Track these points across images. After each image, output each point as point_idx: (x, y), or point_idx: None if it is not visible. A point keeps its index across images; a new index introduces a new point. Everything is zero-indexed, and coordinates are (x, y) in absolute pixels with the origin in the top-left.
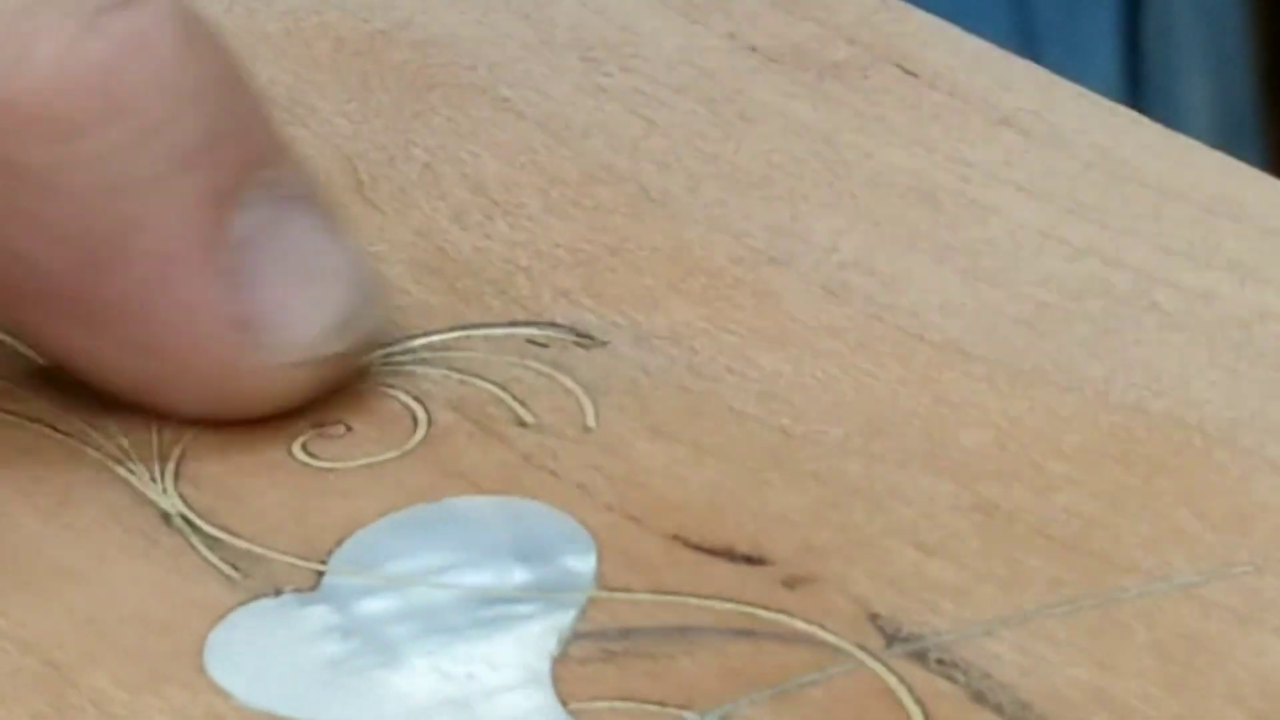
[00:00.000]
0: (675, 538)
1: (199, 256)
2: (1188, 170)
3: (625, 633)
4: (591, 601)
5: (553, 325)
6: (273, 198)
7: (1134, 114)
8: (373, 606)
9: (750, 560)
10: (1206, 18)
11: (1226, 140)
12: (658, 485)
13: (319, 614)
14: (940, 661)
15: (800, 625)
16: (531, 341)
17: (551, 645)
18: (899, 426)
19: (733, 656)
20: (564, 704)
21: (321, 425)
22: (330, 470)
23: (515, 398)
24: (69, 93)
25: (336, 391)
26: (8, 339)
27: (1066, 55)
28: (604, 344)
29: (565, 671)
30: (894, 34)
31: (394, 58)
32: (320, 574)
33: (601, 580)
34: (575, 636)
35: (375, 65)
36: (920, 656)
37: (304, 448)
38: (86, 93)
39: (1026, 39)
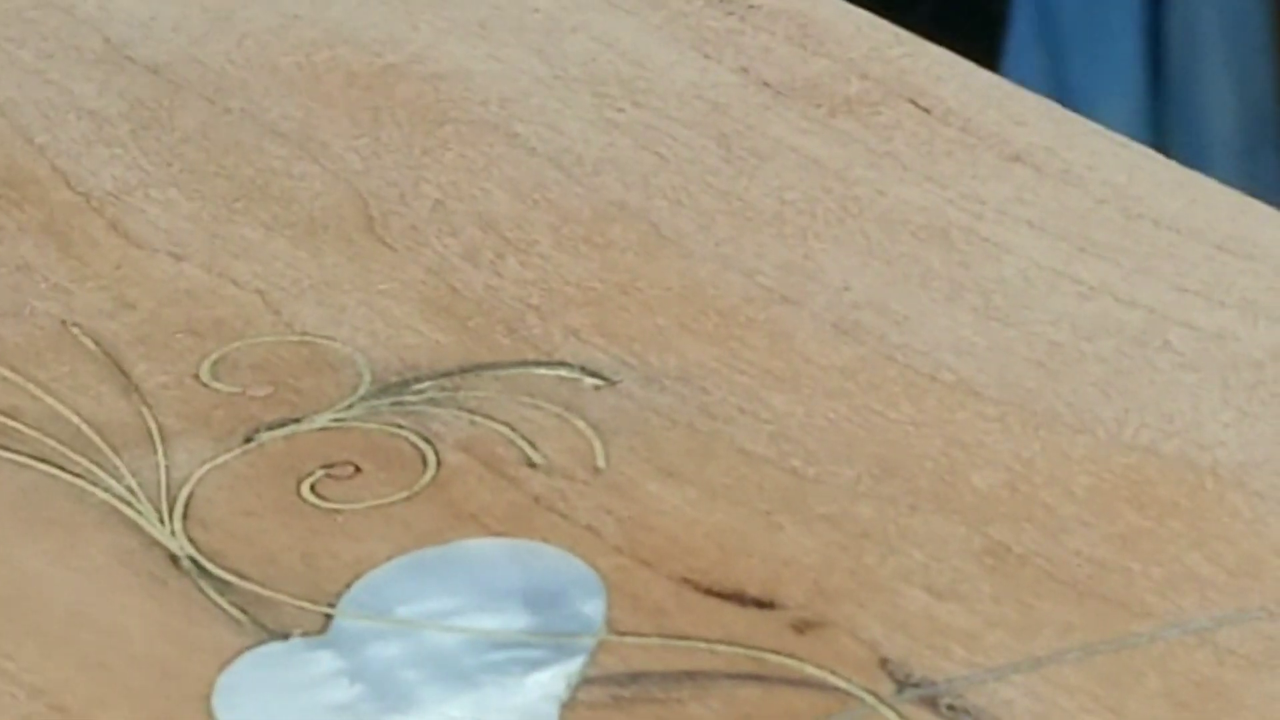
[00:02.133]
0: (685, 581)
1: None
2: (1201, 208)
3: (634, 677)
4: (601, 645)
5: (563, 365)
6: None
7: (1148, 151)
8: (382, 651)
9: (760, 604)
10: (1228, 18)
11: (1250, 144)
12: (668, 527)
13: (327, 658)
14: (951, 707)
15: (810, 670)
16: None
17: (560, 690)
18: (910, 468)
19: (742, 702)
20: None
21: (331, 466)
22: (339, 512)
23: (525, 438)
24: None
25: (346, 432)
26: (15, 379)
27: (1089, 58)
28: (615, 384)
29: (574, 716)
30: (907, 69)
31: (406, 92)
32: (329, 617)
33: (611, 624)
34: (584, 681)
35: (387, 100)
36: (931, 702)
37: (313, 489)
38: None
39: (1050, 44)
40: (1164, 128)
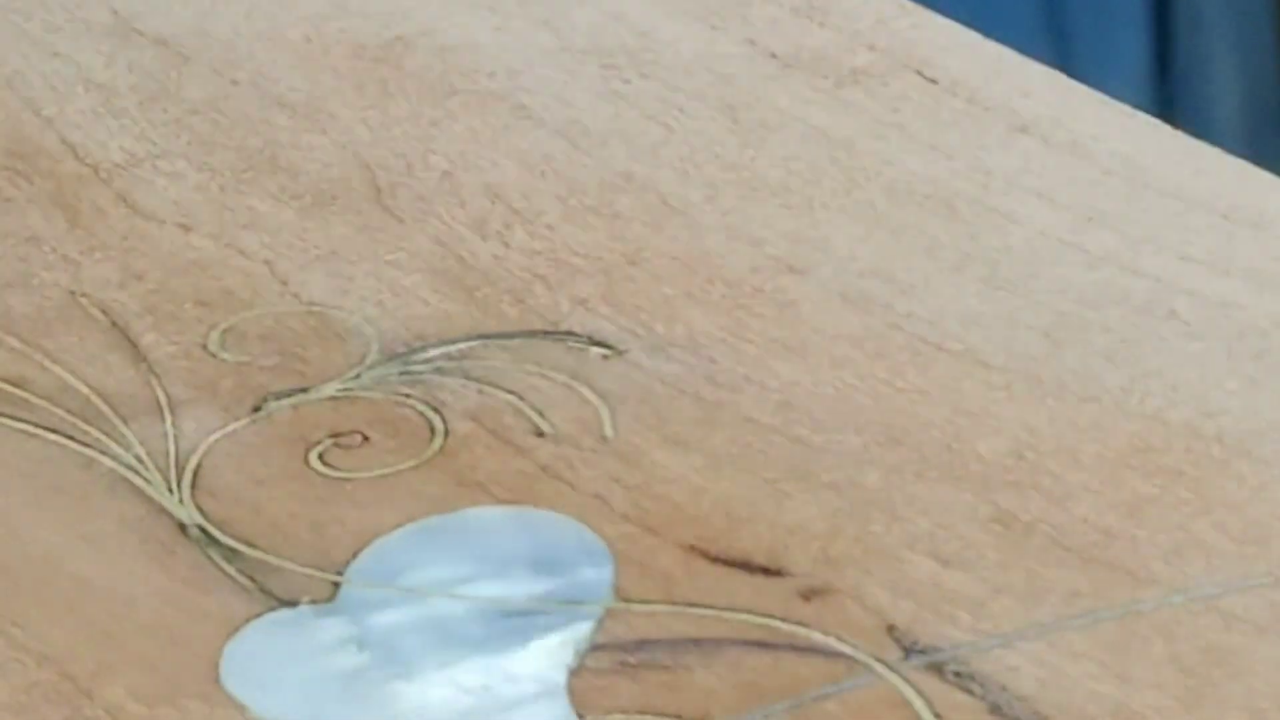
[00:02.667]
0: (692, 549)
1: None
2: (1207, 178)
3: (642, 644)
4: (608, 613)
5: (571, 334)
6: None
7: (1154, 121)
8: (389, 618)
9: (767, 571)
10: (1235, 6)
11: (1255, 127)
12: (675, 496)
13: (335, 626)
14: (958, 674)
15: (817, 637)
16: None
17: (568, 657)
18: (917, 436)
19: (750, 668)
20: (580, 716)
21: (338, 435)
22: (347, 480)
23: (533, 407)
24: None
25: (354, 402)
26: (22, 349)
27: (1096, 45)
28: (622, 353)
29: (581, 683)
30: (913, 40)
31: (413, 64)
32: (337, 585)
33: (618, 592)
34: (592, 648)
35: (395, 72)
36: (937, 668)
37: (321, 458)
38: None
39: (1056, 30)
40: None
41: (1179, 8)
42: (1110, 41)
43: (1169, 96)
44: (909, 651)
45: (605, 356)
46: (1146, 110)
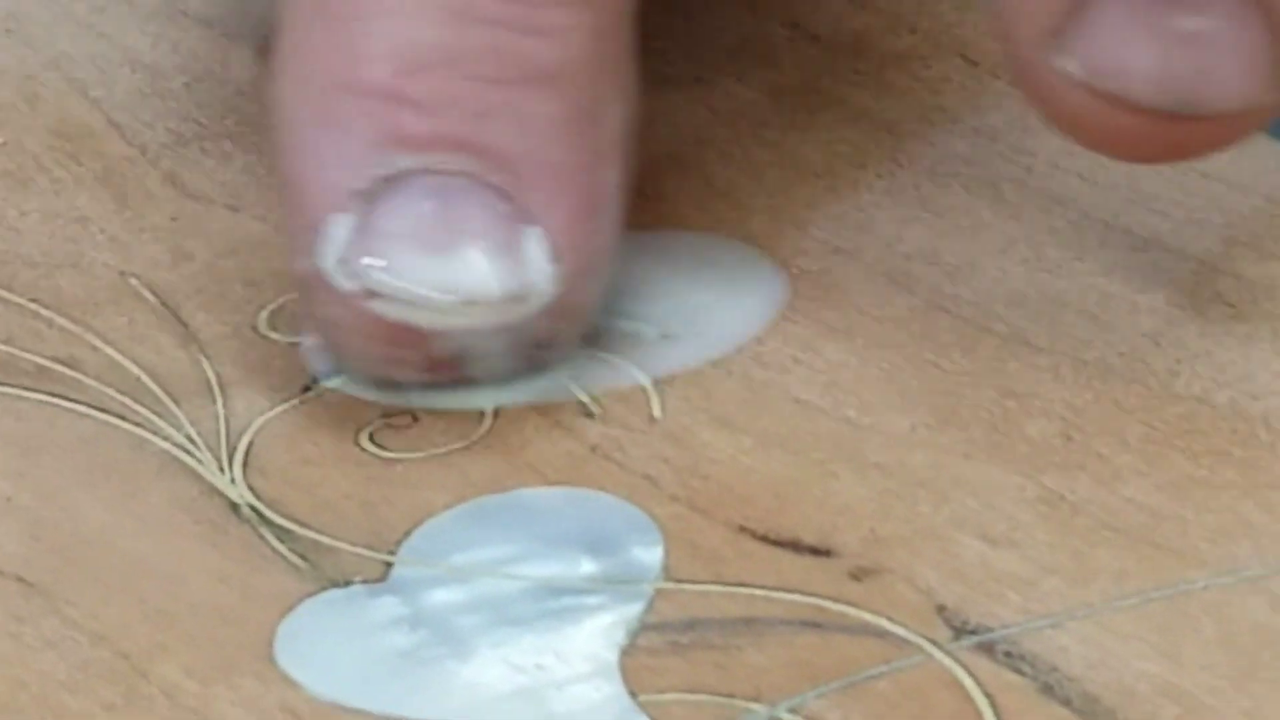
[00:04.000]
0: (741, 529)
1: None
2: (1251, 160)
3: (692, 624)
4: (659, 593)
5: (619, 314)
6: None
7: None
8: (441, 597)
9: (816, 552)
10: None
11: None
12: (723, 476)
13: (388, 605)
14: (1008, 654)
15: (867, 617)
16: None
17: (620, 637)
18: (964, 417)
19: (800, 648)
20: (633, 695)
21: (389, 415)
22: (398, 461)
23: (582, 387)
24: None
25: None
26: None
27: None
28: (670, 334)
29: (633, 663)
30: (955, 23)
31: None
32: (389, 565)
33: (668, 572)
34: (643, 628)
35: None
36: (988, 649)
37: (371, 438)
38: None
39: None
40: None
41: None
42: None
43: None
44: (959, 632)
45: (655, 336)
46: None
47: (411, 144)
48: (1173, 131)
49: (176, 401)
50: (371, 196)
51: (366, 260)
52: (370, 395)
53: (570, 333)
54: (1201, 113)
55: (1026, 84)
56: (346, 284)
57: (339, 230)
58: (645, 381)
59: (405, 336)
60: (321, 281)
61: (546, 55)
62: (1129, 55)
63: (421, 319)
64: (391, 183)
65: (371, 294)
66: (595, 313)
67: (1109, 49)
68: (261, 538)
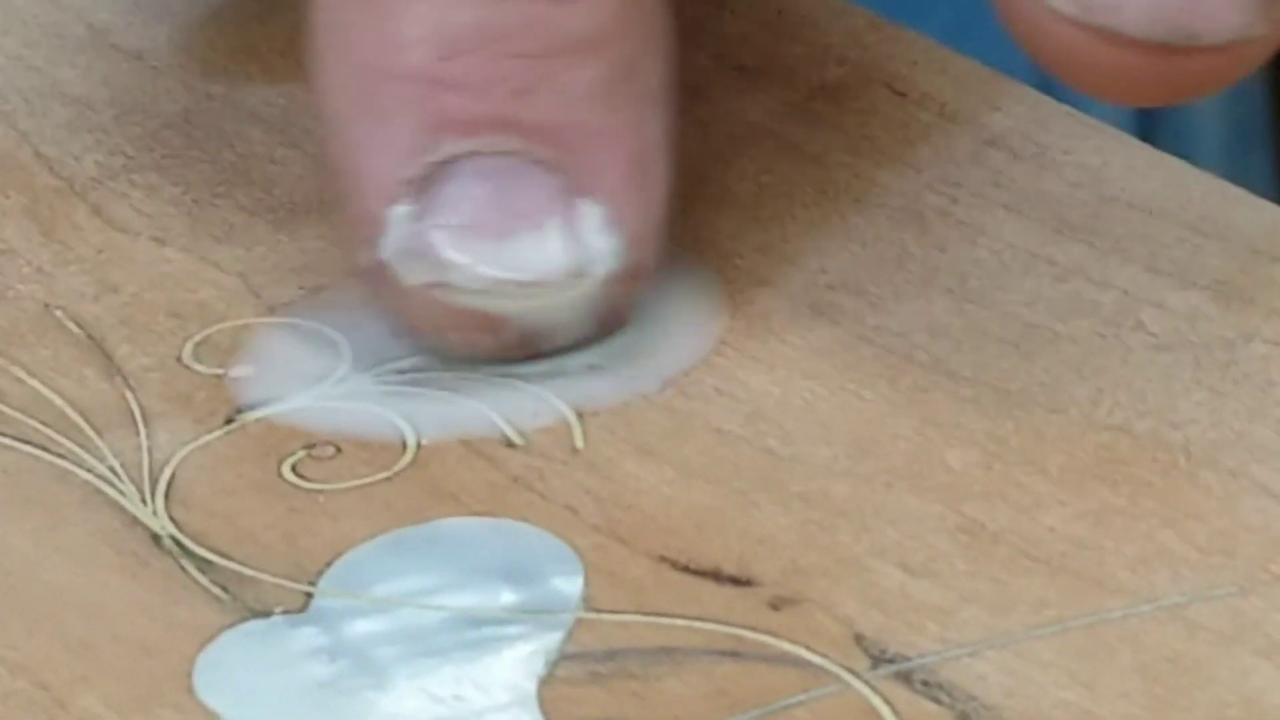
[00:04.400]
0: (662, 559)
1: None
2: (1174, 190)
3: (612, 654)
4: (579, 623)
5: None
6: None
7: (1122, 134)
8: (361, 628)
9: (737, 581)
10: None
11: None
12: (645, 506)
13: (308, 635)
14: (925, 683)
15: (786, 646)
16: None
17: (539, 667)
18: (886, 447)
19: (719, 678)
20: None
21: (311, 446)
22: (320, 491)
23: (504, 418)
24: None
25: (327, 413)
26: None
27: None
28: (594, 364)
29: (552, 693)
30: (883, 54)
31: None
32: (309, 595)
33: (589, 601)
34: (562, 658)
35: None
36: (906, 678)
37: (294, 469)
38: None
39: None
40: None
41: None
42: None
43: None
44: (877, 661)
45: (578, 367)
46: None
47: (458, 128)
48: (1166, 66)
49: (99, 433)
50: (424, 184)
51: (427, 250)
52: (294, 423)
53: (638, 293)
54: (1194, 43)
55: (1017, 25)
56: (410, 275)
57: (397, 221)
58: (568, 412)
59: (475, 321)
60: (385, 273)
61: (580, 22)
62: None
63: (488, 304)
64: (443, 169)
65: (436, 283)
66: (658, 268)
67: None
68: (183, 569)
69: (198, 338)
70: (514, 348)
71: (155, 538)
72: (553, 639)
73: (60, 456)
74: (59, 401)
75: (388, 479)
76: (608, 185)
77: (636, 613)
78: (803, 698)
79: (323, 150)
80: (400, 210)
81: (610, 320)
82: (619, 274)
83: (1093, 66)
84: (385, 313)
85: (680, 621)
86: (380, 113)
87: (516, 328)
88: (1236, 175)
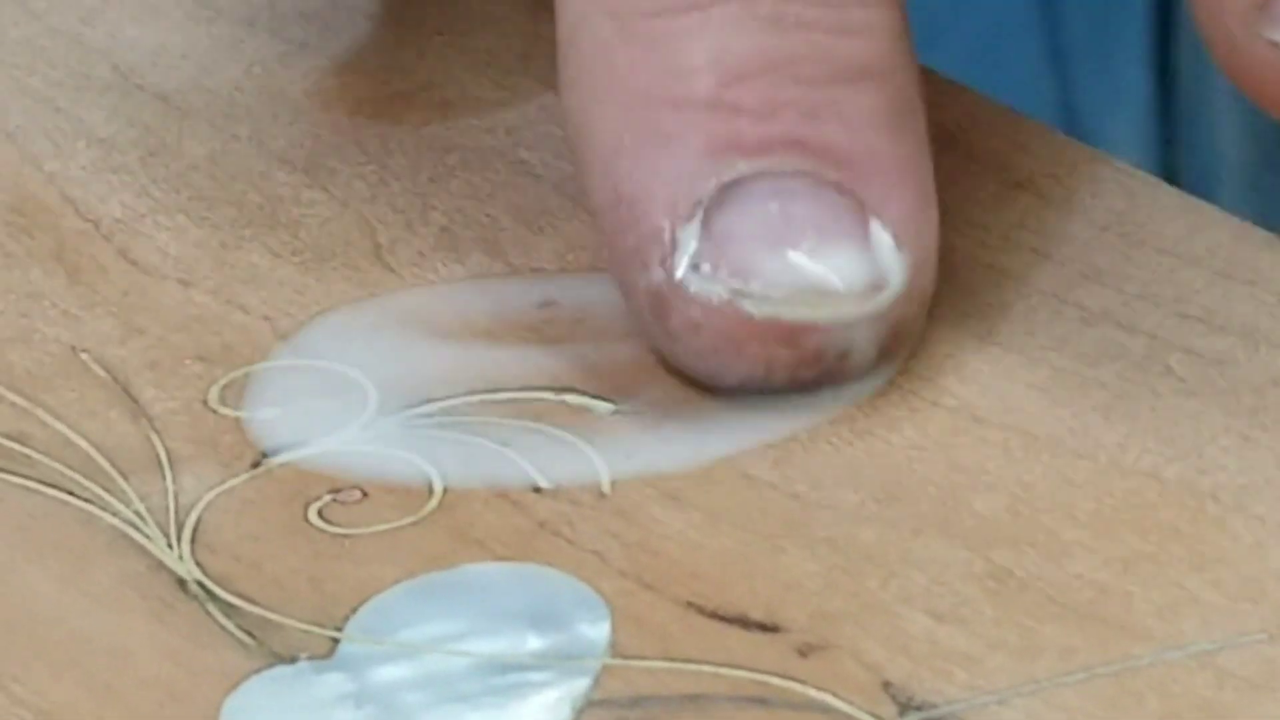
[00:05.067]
0: (689, 605)
1: None
2: (1203, 234)
3: (639, 701)
4: (605, 669)
5: (570, 390)
6: None
7: (1149, 177)
8: (387, 674)
9: (764, 628)
10: None
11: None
12: (672, 552)
13: (334, 681)
14: None
15: (813, 693)
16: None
17: (565, 713)
18: (913, 493)
19: None
20: None
21: (338, 491)
22: (346, 537)
23: (530, 463)
24: None
25: (353, 457)
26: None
27: (1098, 77)
28: (621, 409)
29: None
30: None
31: (413, 120)
32: (336, 641)
33: (615, 648)
34: (589, 704)
35: (394, 128)
36: None
37: (320, 514)
38: None
39: (1057, 62)
40: (1173, 150)
41: (1182, 43)
42: (1113, 78)
43: (1172, 135)
44: (904, 708)
45: (605, 414)
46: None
47: (747, 149)
48: None
49: (125, 477)
50: (718, 202)
51: (727, 262)
52: (320, 467)
53: (920, 320)
54: None
55: (1233, 64)
56: (708, 289)
57: (689, 238)
58: (596, 458)
59: (774, 332)
60: (678, 292)
61: (861, 53)
62: None
63: (789, 313)
64: (735, 187)
65: (736, 294)
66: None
67: None
68: (209, 614)
69: (224, 380)
70: (810, 363)
71: (181, 582)
72: (579, 685)
73: (86, 501)
74: (85, 445)
75: (414, 524)
76: (896, 210)
77: (663, 659)
78: None
79: (586, 186)
80: (694, 227)
81: (893, 345)
82: (906, 294)
83: None
84: (669, 340)
85: (707, 668)
86: (665, 138)
87: (815, 340)
88: (1263, 207)
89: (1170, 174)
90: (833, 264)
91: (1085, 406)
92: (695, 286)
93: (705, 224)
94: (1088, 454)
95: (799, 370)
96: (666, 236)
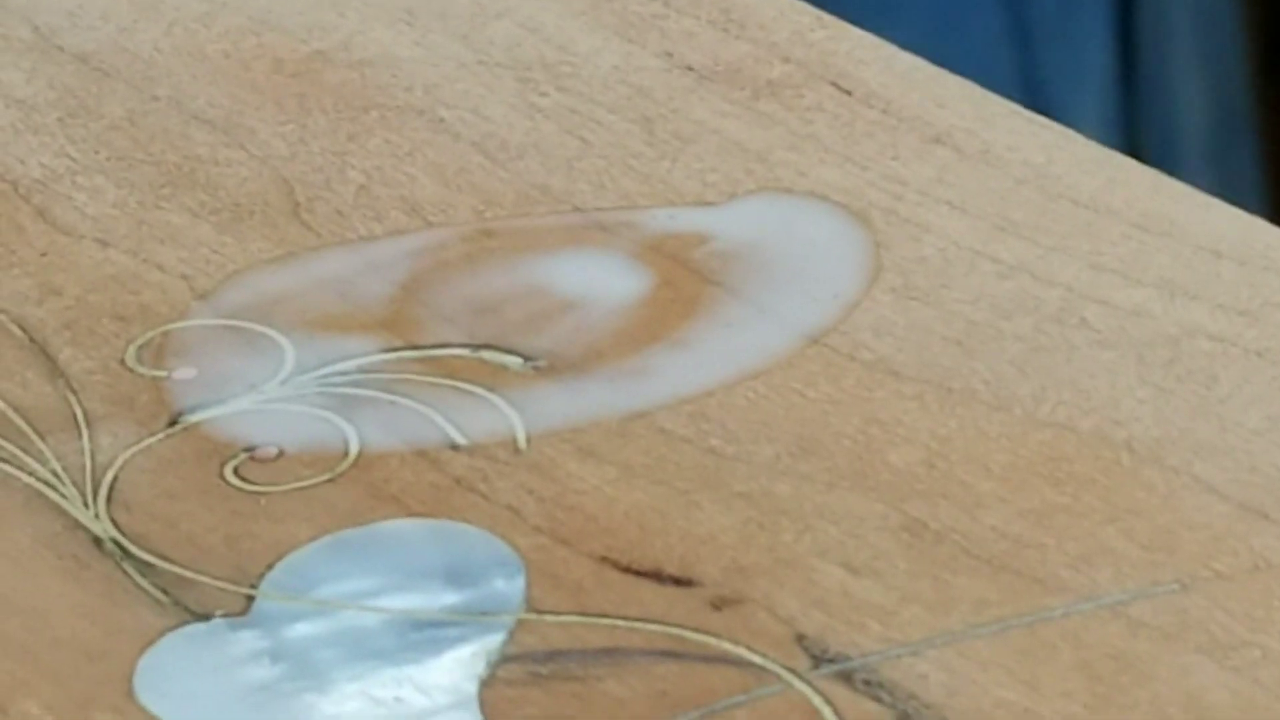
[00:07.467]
0: (604, 560)
1: None
2: (1120, 187)
3: (553, 655)
4: (520, 624)
5: (486, 346)
6: None
7: (1066, 130)
8: (302, 630)
9: (678, 582)
10: (1200, 13)
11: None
12: (587, 507)
13: (249, 638)
14: (867, 682)
15: (727, 646)
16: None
17: (480, 668)
18: (828, 446)
19: (660, 678)
20: None
21: (253, 449)
22: (262, 494)
23: (447, 419)
24: None
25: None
26: None
27: (1060, 51)
28: (537, 365)
29: (493, 694)
30: (829, 52)
31: (332, 79)
32: (251, 598)
33: (530, 603)
34: (503, 659)
35: (313, 87)
36: (847, 677)
37: (236, 472)
38: None
39: (1020, 36)
40: (1136, 126)
41: (1144, 17)
42: (1076, 52)
43: (1135, 111)
44: (818, 660)
45: (520, 369)
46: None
47: None
48: None
49: (42, 436)
50: None
51: None
52: (236, 426)
53: None
54: None
55: None
56: None
57: None
58: (511, 414)
59: None
60: None
61: None
62: None
63: None
64: None
65: None
66: None
67: None
68: (124, 572)
69: (141, 340)
70: None
71: (97, 541)
72: (494, 640)
73: (2, 460)
74: (1, 405)
75: (330, 481)
76: None
77: (578, 614)
78: (744, 698)
79: None
80: None
81: None
82: None
83: None
84: None
85: (621, 622)
86: None
87: None
88: (1221, 169)
89: (1133, 147)
90: None
91: (1001, 359)
92: None
93: None
94: (1003, 406)
95: None
96: None
